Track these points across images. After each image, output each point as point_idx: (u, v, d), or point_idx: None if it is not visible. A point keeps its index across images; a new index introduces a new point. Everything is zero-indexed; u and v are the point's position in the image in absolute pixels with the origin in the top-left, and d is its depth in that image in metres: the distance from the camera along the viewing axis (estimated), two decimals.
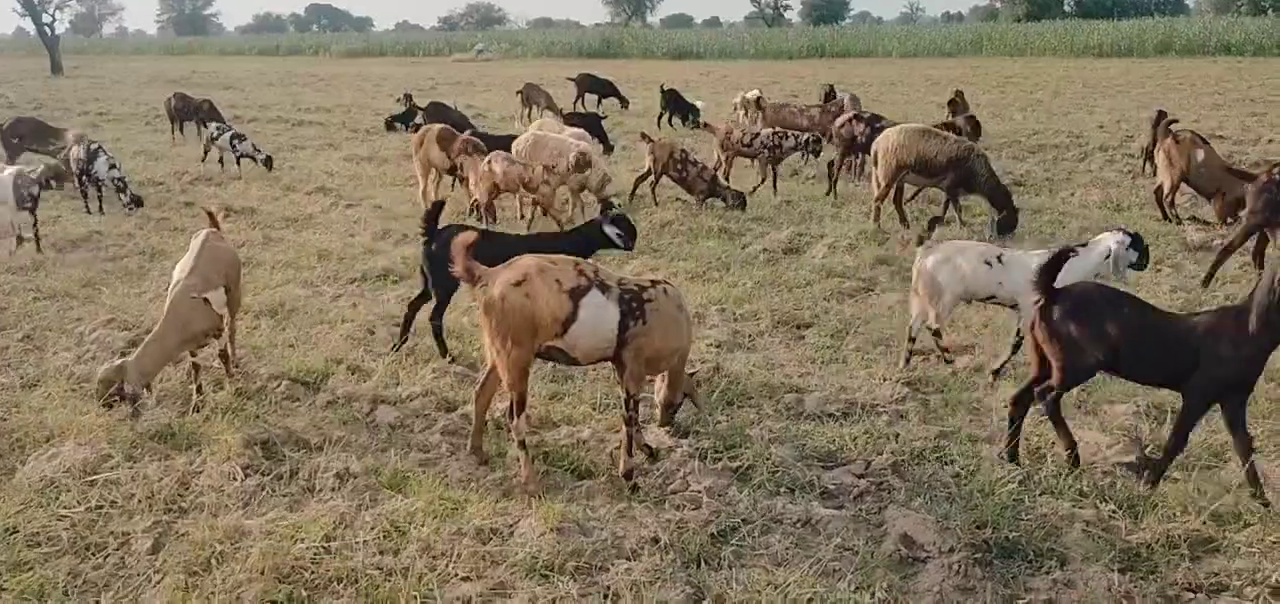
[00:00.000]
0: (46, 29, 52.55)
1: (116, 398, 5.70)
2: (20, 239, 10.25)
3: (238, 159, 15.13)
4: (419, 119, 18.66)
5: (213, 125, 15.99)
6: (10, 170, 10.38)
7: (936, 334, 6.90)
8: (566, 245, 6.72)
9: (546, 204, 10.96)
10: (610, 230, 7.01)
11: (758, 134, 13.13)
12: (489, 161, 11.02)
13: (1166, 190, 10.92)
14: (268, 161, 14.97)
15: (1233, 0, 76.78)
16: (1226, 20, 58.60)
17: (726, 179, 12.92)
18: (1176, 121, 11.51)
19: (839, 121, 13.31)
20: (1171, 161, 10.80)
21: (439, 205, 7.09)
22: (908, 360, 6.94)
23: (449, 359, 7.04)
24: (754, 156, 13.17)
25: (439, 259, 6.61)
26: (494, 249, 6.19)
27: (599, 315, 5.00)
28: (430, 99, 20.68)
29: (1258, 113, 21.67)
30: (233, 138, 15.17)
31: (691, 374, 5.67)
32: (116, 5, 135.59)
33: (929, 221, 7.85)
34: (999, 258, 6.61)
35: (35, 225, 10.40)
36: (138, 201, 12.36)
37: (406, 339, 7.29)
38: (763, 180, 13.03)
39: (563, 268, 5.08)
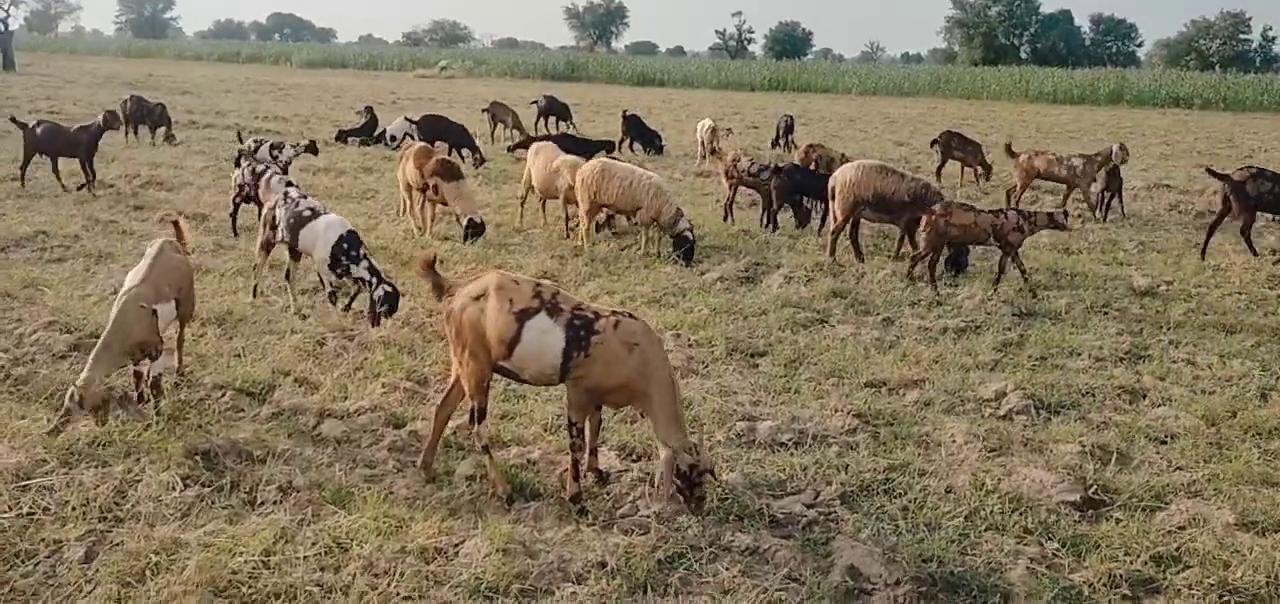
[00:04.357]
0: (0, 25, 51.60)
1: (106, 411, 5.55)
2: (333, 297, 8.48)
3: None
4: (412, 132, 18.34)
5: (251, 138, 15.80)
6: (332, 219, 8.36)
7: None
8: None
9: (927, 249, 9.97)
10: None
11: (765, 166, 13.05)
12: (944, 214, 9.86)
13: None
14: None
15: (1183, 55, 79.34)
16: (1176, 74, 60.43)
17: (730, 209, 13.12)
18: None
19: (1238, 175, 11.62)
20: None
21: None
22: None
23: None
24: (758, 189, 13.09)
25: None
26: None
27: (542, 341, 4.99)
28: (399, 114, 20.51)
29: (1203, 164, 22.20)
30: (271, 148, 15.06)
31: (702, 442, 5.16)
32: (73, 4, 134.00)
33: None
34: None
35: (335, 289, 8.42)
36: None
37: None
38: (763, 213, 12.97)
39: (521, 288, 5.09)
